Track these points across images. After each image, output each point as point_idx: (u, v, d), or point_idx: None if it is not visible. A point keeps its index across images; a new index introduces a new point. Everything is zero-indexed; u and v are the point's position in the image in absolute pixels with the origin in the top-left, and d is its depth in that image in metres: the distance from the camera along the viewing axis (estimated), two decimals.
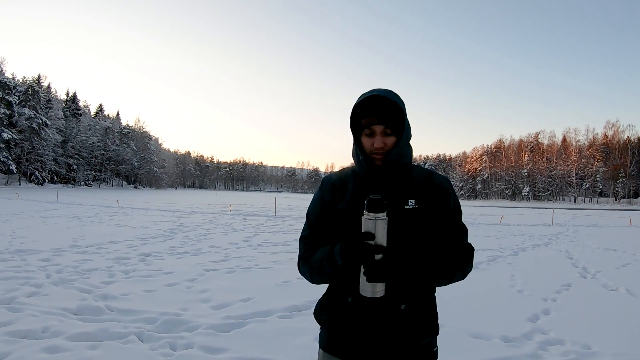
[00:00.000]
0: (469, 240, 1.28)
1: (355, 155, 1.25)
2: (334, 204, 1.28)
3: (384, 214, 1.06)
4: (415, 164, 1.32)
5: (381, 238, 1.05)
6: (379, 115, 1.17)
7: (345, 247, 1.10)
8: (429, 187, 1.24)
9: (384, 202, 1.05)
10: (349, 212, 1.20)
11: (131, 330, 3.22)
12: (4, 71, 56.50)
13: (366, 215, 1.06)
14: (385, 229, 1.06)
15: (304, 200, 46.12)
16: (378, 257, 1.05)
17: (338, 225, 1.24)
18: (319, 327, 1.32)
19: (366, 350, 1.18)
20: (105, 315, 3.63)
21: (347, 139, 1.27)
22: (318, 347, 1.31)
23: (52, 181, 62.77)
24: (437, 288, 1.28)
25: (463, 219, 1.29)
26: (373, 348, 1.18)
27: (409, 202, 1.19)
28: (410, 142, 1.27)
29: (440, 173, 1.30)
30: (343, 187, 1.29)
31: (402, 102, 1.22)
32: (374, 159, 1.21)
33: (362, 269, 1.07)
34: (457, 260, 1.19)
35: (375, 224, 1.05)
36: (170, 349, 2.97)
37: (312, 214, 1.34)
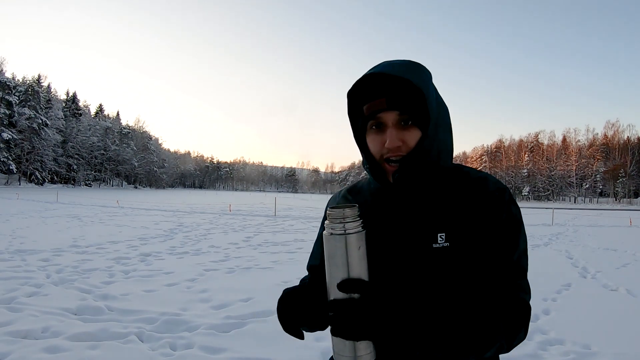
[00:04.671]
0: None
1: (363, 163, 0.88)
2: None
3: (358, 223, 0.67)
4: (458, 163, 0.88)
5: (356, 266, 0.65)
6: (388, 96, 0.77)
7: (285, 294, 0.78)
8: (474, 208, 0.78)
9: (355, 206, 0.69)
10: None
11: (131, 330, 3.23)
12: (4, 71, 56.56)
13: (327, 229, 0.67)
14: (362, 249, 0.67)
15: (303, 200, 46.12)
16: (354, 296, 0.65)
17: None
18: None
19: None
20: (105, 315, 3.63)
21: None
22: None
23: (52, 181, 62.80)
24: None
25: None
26: None
27: (439, 238, 0.77)
28: (445, 134, 0.82)
29: (502, 184, 0.82)
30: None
31: (425, 73, 0.80)
32: (387, 169, 0.81)
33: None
34: (499, 326, 0.71)
35: (346, 243, 0.65)
36: (170, 349, 2.97)
37: (315, 246, 0.99)
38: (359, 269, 0.66)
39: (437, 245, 0.77)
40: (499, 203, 0.78)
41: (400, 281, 0.79)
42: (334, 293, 0.66)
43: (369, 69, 0.82)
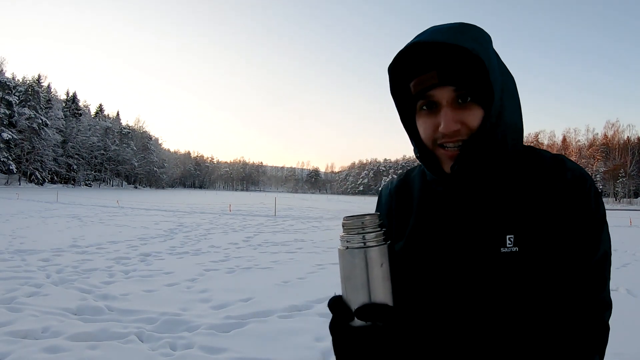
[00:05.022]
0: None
1: (415, 152, 0.73)
2: (394, 239, 0.75)
3: (379, 234, 0.55)
4: (530, 145, 0.72)
5: (379, 287, 0.54)
6: (439, 68, 0.62)
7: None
8: (548, 202, 0.64)
9: (377, 215, 0.57)
10: (413, 261, 0.70)
11: (131, 330, 3.23)
12: (4, 71, 56.59)
13: (343, 242, 0.56)
14: (384, 266, 0.55)
15: (303, 200, 46.13)
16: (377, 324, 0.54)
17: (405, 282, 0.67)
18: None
19: None
20: (105, 315, 3.63)
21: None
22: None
23: (52, 181, 62.82)
24: None
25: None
26: None
27: (507, 241, 0.63)
28: (513, 111, 0.67)
29: (582, 170, 0.67)
30: (405, 207, 0.77)
31: (483, 36, 0.65)
32: (442, 157, 0.67)
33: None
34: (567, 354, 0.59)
35: (366, 259, 0.54)
36: (170, 349, 2.97)
37: None
38: (383, 291, 0.54)
39: (506, 249, 0.63)
40: (577, 195, 0.63)
41: (453, 299, 0.65)
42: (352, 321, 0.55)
43: (414, 37, 0.66)
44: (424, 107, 0.66)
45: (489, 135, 0.63)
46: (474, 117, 0.63)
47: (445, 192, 0.71)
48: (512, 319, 0.61)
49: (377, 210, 0.84)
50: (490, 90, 0.63)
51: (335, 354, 0.56)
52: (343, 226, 0.57)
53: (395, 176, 0.86)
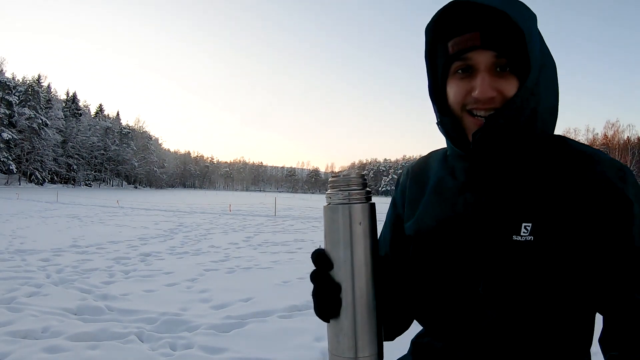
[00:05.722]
0: None
1: (438, 120, 0.68)
2: (405, 219, 0.75)
3: (360, 192, 0.56)
4: (561, 135, 0.67)
5: (354, 244, 0.54)
6: (484, 30, 0.59)
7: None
8: (576, 193, 0.59)
9: (361, 175, 0.57)
10: (422, 242, 0.69)
11: (131, 330, 3.23)
12: (4, 71, 56.62)
13: (327, 200, 0.57)
14: (363, 225, 0.55)
15: (303, 200, 46.12)
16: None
17: (412, 263, 0.71)
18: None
19: None
20: (105, 315, 3.63)
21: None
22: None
23: (52, 181, 62.82)
24: None
25: None
26: None
27: (523, 229, 0.59)
28: (549, 92, 0.63)
29: (615, 162, 0.62)
30: (420, 188, 0.75)
31: (529, 11, 0.61)
32: (469, 124, 0.63)
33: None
34: None
35: (344, 216, 0.54)
36: (170, 349, 2.97)
37: (382, 232, 0.80)
38: (358, 247, 0.54)
39: (519, 237, 0.59)
40: (610, 188, 0.58)
41: (464, 283, 0.63)
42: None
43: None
44: (460, 70, 0.62)
45: (520, 109, 0.59)
46: (512, 87, 0.60)
47: (463, 168, 0.67)
48: (520, 312, 0.59)
49: (395, 189, 0.83)
50: (528, 65, 0.59)
51: (314, 301, 0.57)
52: (328, 183, 0.58)
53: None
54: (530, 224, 0.59)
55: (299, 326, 3.46)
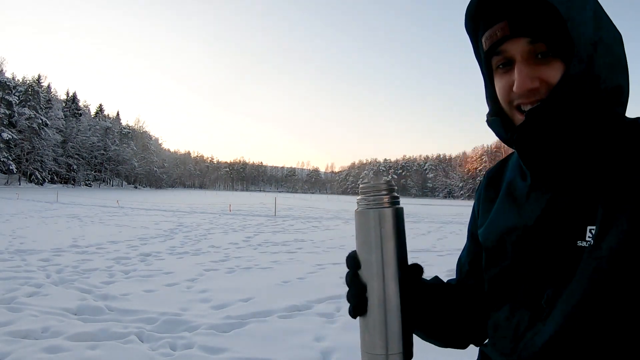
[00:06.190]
0: None
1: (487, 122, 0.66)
2: (478, 227, 0.72)
3: (385, 198, 0.58)
4: (636, 117, 0.56)
5: (382, 247, 0.57)
6: (511, 17, 0.55)
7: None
8: None
9: (387, 181, 0.58)
10: (489, 251, 0.66)
11: (131, 330, 3.23)
12: (4, 71, 56.65)
13: (357, 206, 0.59)
14: (387, 228, 0.57)
15: (303, 200, 46.12)
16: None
17: (484, 272, 0.68)
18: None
19: None
20: (105, 315, 3.63)
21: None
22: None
23: (52, 181, 62.84)
24: None
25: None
26: None
27: (588, 233, 0.52)
28: (612, 70, 0.55)
29: None
30: (494, 193, 0.70)
31: None
32: (518, 122, 0.58)
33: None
34: None
35: (371, 220, 0.57)
36: (170, 349, 2.97)
37: (468, 232, 0.78)
38: (384, 250, 0.56)
39: (583, 243, 0.51)
40: None
41: (521, 295, 0.58)
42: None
43: None
44: (500, 65, 0.58)
45: (568, 96, 0.52)
46: (556, 73, 0.53)
47: (524, 169, 0.61)
48: (579, 328, 0.51)
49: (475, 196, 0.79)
50: (571, 42, 0.53)
51: (349, 302, 0.58)
52: (359, 189, 0.60)
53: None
54: (595, 227, 0.51)
55: (299, 326, 3.46)
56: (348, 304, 0.57)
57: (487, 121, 0.63)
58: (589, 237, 0.51)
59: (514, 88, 0.55)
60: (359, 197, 0.60)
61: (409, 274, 0.59)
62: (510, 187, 0.65)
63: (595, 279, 0.50)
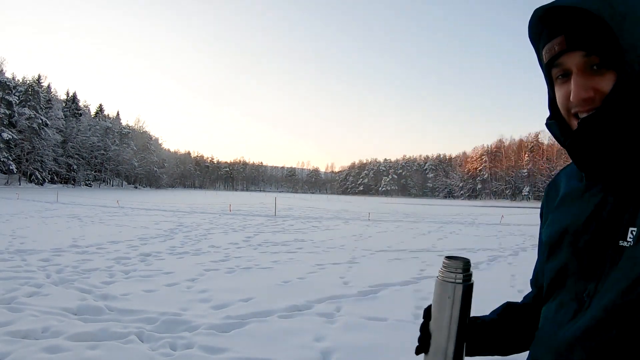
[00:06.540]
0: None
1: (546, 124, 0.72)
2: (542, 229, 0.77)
3: (458, 275, 0.70)
4: None
5: (438, 313, 0.72)
6: (567, 32, 0.60)
7: None
8: None
9: (463, 261, 0.70)
10: (550, 243, 0.69)
11: (131, 330, 3.23)
12: (4, 71, 56.56)
13: (440, 275, 0.72)
14: (451, 300, 0.70)
15: (303, 200, 46.13)
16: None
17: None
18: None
19: None
20: (105, 315, 3.63)
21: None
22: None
23: (52, 181, 62.82)
24: None
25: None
26: None
27: (629, 234, 0.56)
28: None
29: None
30: (555, 195, 0.75)
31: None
32: (572, 128, 0.64)
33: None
34: None
35: (445, 291, 0.70)
36: (170, 349, 2.97)
37: (539, 242, 0.81)
38: (445, 312, 0.70)
39: (624, 243, 0.55)
40: None
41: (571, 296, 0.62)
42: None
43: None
44: (559, 77, 0.63)
45: (620, 104, 0.56)
46: (608, 83, 0.57)
47: (579, 173, 0.67)
48: (619, 315, 0.54)
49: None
50: (622, 55, 0.56)
51: (417, 341, 0.74)
52: (443, 261, 0.73)
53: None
54: (636, 229, 0.55)
55: (299, 326, 3.46)
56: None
57: (546, 124, 0.69)
58: (630, 237, 0.55)
59: (571, 98, 0.60)
60: (441, 268, 0.73)
61: (466, 334, 0.72)
62: (569, 189, 0.71)
63: (631, 277, 0.53)
